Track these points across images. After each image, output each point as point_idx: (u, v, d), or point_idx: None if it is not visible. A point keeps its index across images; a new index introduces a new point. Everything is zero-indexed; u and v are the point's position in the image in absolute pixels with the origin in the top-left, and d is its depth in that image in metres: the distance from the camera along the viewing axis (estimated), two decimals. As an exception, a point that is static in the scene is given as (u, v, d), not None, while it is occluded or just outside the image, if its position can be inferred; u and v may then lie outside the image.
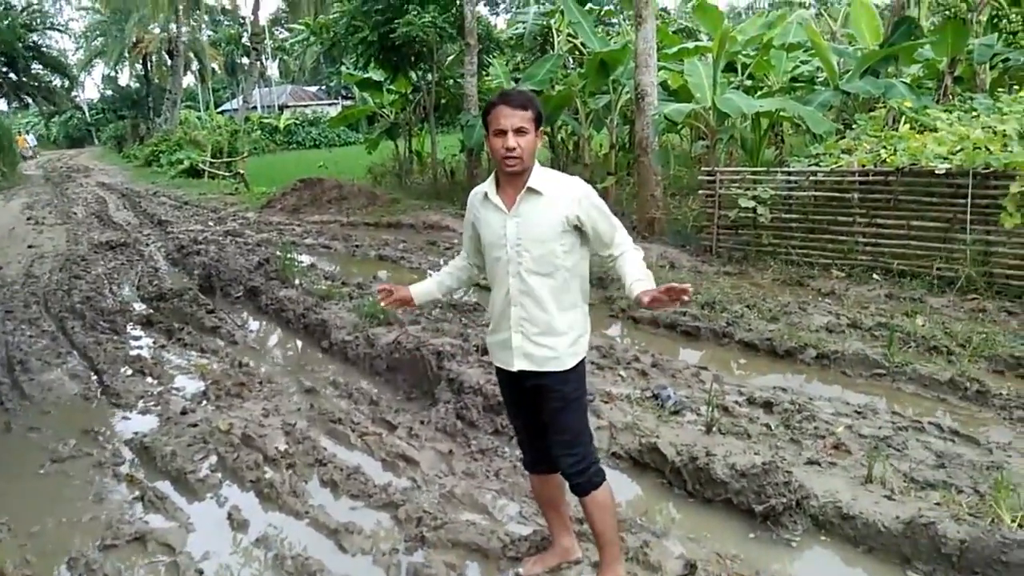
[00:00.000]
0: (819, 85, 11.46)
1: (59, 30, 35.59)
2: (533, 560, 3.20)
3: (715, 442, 3.96)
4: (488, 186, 2.80)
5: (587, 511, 2.90)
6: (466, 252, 3.05)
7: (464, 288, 3.15)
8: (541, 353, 2.76)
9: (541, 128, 2.70)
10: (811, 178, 7.89)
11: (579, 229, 2.72)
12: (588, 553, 3.22)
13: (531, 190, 2.69)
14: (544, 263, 2.71)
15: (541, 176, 2.71)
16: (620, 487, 3.85)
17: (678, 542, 3.38)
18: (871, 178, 7.36)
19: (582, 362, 2.84)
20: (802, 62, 12.83)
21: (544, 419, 2.86)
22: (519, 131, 2.61)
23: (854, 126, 9.07)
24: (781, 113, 9.64)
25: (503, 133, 2.60)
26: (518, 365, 2.80)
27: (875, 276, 7.16)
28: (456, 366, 5.14)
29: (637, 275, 2.69)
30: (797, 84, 12.22)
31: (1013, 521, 3.05)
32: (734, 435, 4.10)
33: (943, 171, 6.67)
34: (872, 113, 9.42)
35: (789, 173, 8.16)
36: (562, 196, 2.69)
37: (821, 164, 7.98)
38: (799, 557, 3.28)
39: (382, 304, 3.08)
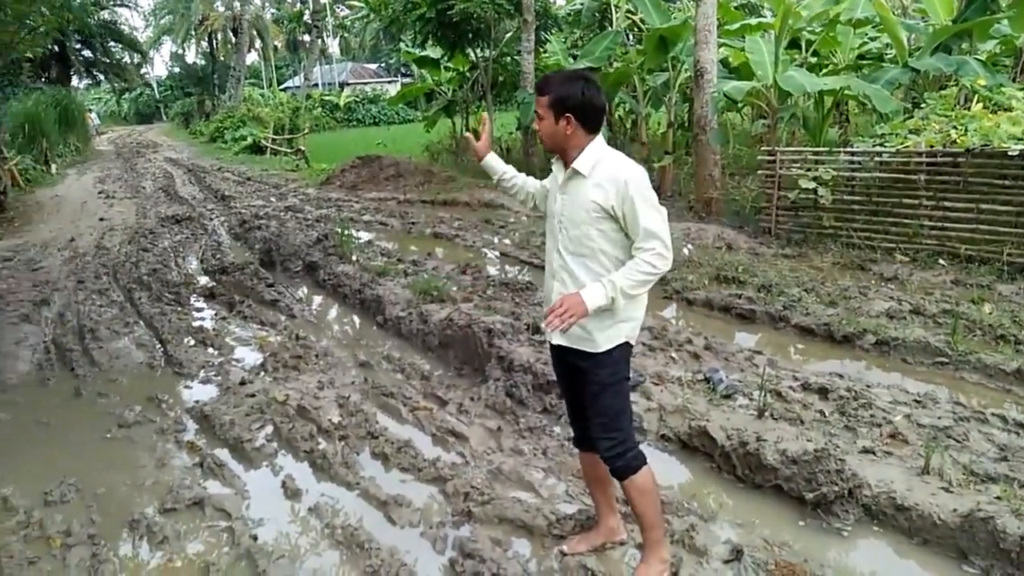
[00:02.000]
0: (887, 62, 11.06)
1: (127, 6, 36.56)
2: (578, 539, 3.22)
3: (766, 427, 3.91)
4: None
5: (627, 495, 2.91)
6: (541, 186, 3.12)
7: (518, 196, 3.21)
8: (574, 331, 2.75)
9: (568, 112, 2.64)
10: (876, 159, 7.65)
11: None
12: (634, 534, 3.23)
13: (575, 171, 2.70)
14: (579, 244, 2.71)
15: (590, 157, 2.67)
16: (668, 470, 3.84)
17: (725, 527, 3.36)
18: (939, 159, 7.09)
19: (622, 347, 2.78)
20: (870, 38, 12.40)
21: (584, 399, 2.88)
22: (537, 116, 2.73)
23: (923, 105, 8.74)
24: (846, 91, 9.33)
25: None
26: (555, 339, 2.84)
27: (941, 261, 6.92)
28: (507, 344, 5.17)
29: (606, 282, 2.60)
30: (864, 61, 11.81)
31: (1078, 518, 2.95)
32: (786, 421, 4.03)
33: (1016, 152, 6.39)
34: (943, 92, 9.06)
35: (853, 153, 7.93)
36: (604, 181, 2.63)
37: (887, 144, 7.72)
38: (850, 547, 3.23)
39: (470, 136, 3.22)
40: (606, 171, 2.65)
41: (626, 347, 2.81)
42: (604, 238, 2.67)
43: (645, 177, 2.66)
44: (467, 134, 3.28)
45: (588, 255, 2.70)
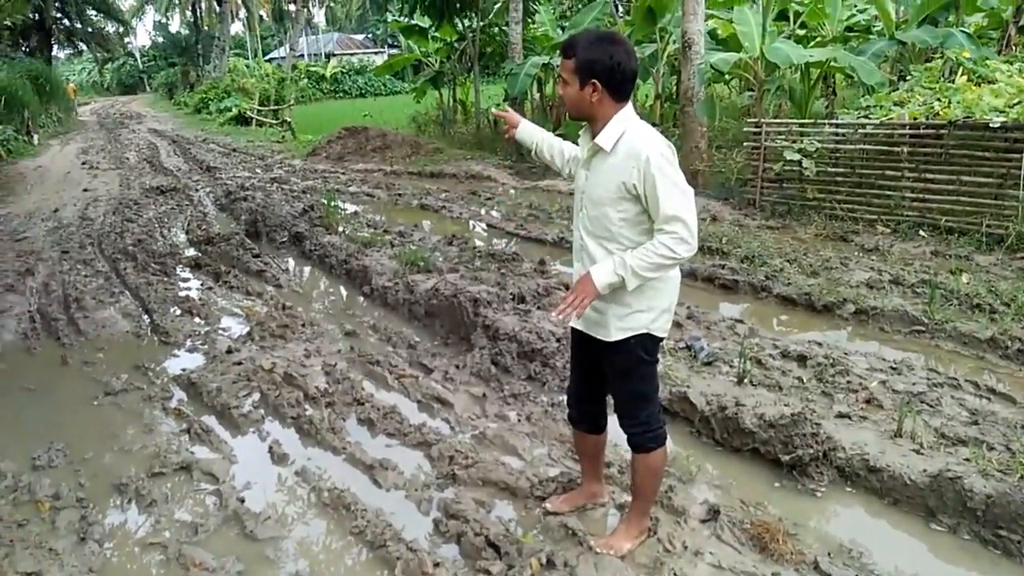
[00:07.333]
0: (875, 35, 11.06)
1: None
2: (562, 498, 3.28)
3: (746, 393, 3.99)
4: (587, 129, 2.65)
5: (634, 466, 2.88)
6: (572, 150, 2.92)
7: (556, 162, 2.96)
8: (589, 315, 2.67)
9: (594, 78, 2.43)
10: (860, 131, 7.70)
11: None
12: (613, 495, 3.31)
13: (597, 146, 2.51)
14: (598, 225, 2.55)
15: (614, 131, 2.47)
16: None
17: (704, 488, 3.44)
18: (922, 131, 7.15)
19: (641, 338, 2.63)
20: (858, 10, 12.39)
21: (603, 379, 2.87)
22: (562, 81, 2.51)
23: (908, 77, 8.78)
24: (832, 63, 9.35)
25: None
26: (571, 321, 2.76)
27: (921, 232, 7.01)
28: (492, 313, 5.22)
29: (617, 258, 2.47)
30: (852, 34, 11.81)
31: (1042, 478, 3.04)
32: (765, 387, 4.11)
33: (998, 124, 6.45)
34: (928, 64, 9.09)
35: (837, 125, 7.97)
36: (625, 157, 2.43)
37: (871, 116, 7.77)
38: (824, 507, 3.31)
39: (497, 114, 3.13)
40: (628, 146, 2.44)
41: (645, 338, 2.63)
42: (625, 221, 2.49)
43: (670, 153, 2.44)
44: (498, 112, 3.14)
45: (607, 238, 2.53)
